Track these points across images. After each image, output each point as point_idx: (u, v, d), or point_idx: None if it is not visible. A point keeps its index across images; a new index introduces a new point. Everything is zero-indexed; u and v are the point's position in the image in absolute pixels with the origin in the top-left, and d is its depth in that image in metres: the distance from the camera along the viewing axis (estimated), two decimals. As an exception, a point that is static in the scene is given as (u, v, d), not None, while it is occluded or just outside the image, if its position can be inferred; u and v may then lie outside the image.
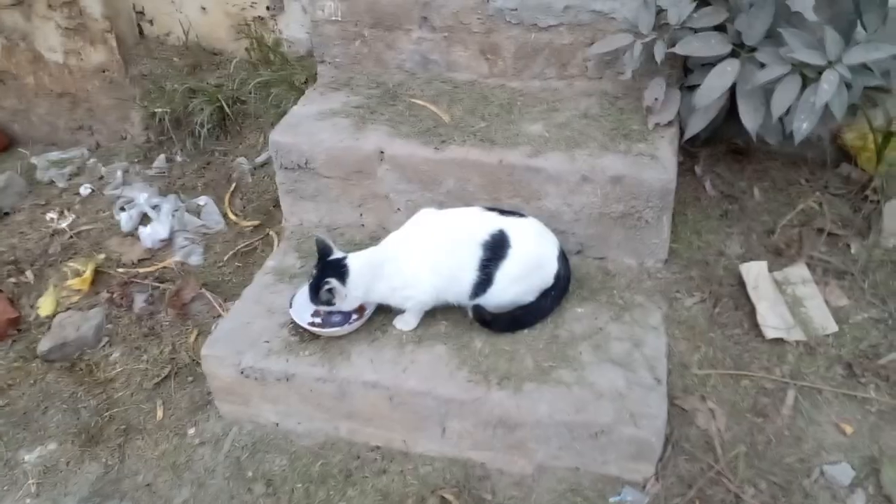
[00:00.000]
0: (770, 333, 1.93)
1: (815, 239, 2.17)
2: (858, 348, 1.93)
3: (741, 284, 2.04)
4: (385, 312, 1.92)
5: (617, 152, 1.96)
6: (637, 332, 1.86)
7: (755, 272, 2.02)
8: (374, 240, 2.14)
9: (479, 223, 1.81)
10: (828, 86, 1.65)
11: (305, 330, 1.88)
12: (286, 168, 2.15)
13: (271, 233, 2.50)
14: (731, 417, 1.82)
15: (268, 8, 2.88)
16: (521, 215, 1.87)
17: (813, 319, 1.97)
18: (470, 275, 1.79)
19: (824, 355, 1.92)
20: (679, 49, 1.91)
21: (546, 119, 2.11)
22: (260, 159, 2.72)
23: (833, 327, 1.96)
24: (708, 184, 2.33)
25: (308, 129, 2.15)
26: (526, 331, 1.87)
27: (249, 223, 2.55)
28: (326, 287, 1.76)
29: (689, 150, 2.36)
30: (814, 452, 1.76)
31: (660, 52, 1.93)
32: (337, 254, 1.84)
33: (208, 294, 2.30)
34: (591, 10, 2.08)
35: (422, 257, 1.80)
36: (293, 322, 1.90)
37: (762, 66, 1.83)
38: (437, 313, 1.92)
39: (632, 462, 1.70)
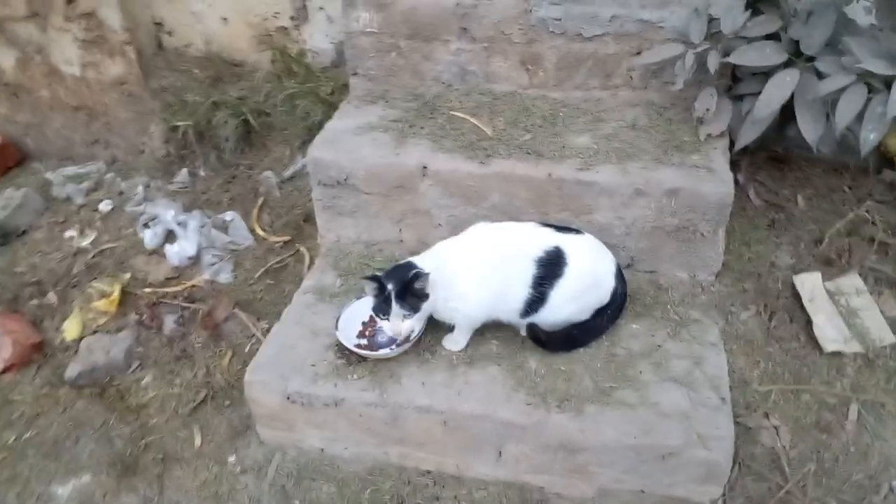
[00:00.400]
0: (829, 346, 1.89)
1: (866, 248, 2.12)
2: (918, 360, 1.88)
3: (795, 296, 1.99)
4: (431, 333, 1.86)
5: (670, 164, 1.90)
6: (696, 350, 1.81)
7: (810, 284, 1.97)
8: (413, 254, 2.10)
9: (533, 239, 1.75)
10: (898, 95, 1.60)
11: (353, 353, 1.82)
12: (324, 184, 2.09)
13: (302, 249, 2.43)
14: (795, 434, 1.77)
15: (291, 18, 2.81)
16: (578, 232, 1.82)
17: (870, 331, 1.93)
18: (522, 292, 1.73)
19: (883, 368, 1.88)
20: (734, 59, 1.86)
21: (592, 130, 2.05)
22: (287, 173, 2.65)
23: (891, 338, 1.91)
24: (752, 192, 2.28)
25: (347, 144, 2.08)
26: (581, 349, 1.82)
27: (279, 239, 2.48)
28: (416, 277, 1.65)
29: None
30: (881, 468, 1.71)
31: (713, 62, 1.88)
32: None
33: (241, 314, 2.23)
34: (638, 20, 2.03)
35: (471, 270, 1.73)
36: (339, 344, 1.84)
37: (821, 75, 1.79)
38: (487, 332, 1.86)
39: (700, 484, 1.65)
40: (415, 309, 1.67)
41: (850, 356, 1.89)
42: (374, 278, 1.69)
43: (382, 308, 1.67)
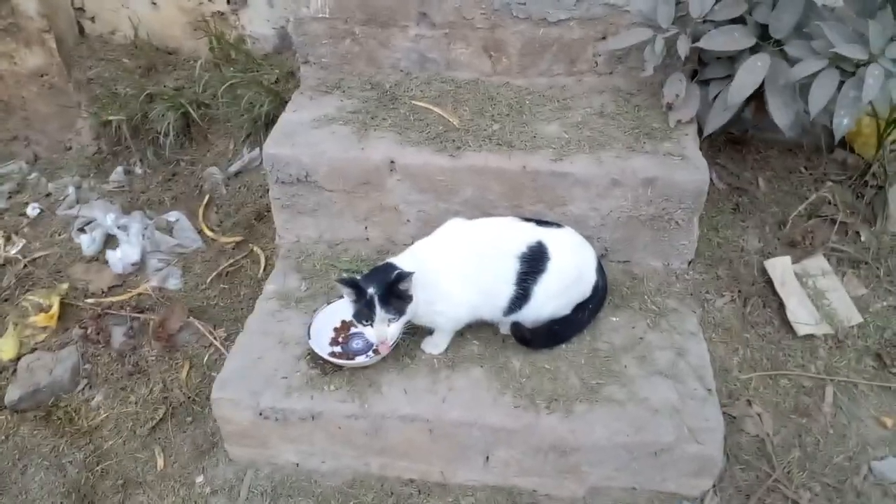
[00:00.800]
0: (801, 330, 1.91)
1: (827, 229, 2.16)
2: (884, 337, 1.94)
3: (766, 281, 2.01)
4: (408, 336, 1.77)
5: (643, 153, 1.87)
6: (677, 340, 1.80)
7: (780, 268, 1.99)
8: (381, 254, 2.01)
9: (516, 234, 1.69)
10: (873, 80, 1.61)
11: (328, 362, 1.72)
12: (283, 182, 1.95)
13: (256, 249, 2.29)
14: (776, 420, 1.79)
15: (228, 2, 2.63)
16: (558, 225, 1.76)
17: (837, 312, 1.96)
18: (507, 289, 1.67)
19: (853, 348, 1.92)
20: (704, 44, 1.83)
21: (561, 118, 2.00)
22: (234, 168, 2.49)
23: (857, 318, 1.96)
24: (714, 176, 2.28)
25: (306, 138, 1.96)
26: (564, 346, 1.77)
27: (230, 239, 2.34)
28: (400, 278, 1.54)
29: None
30: (860, 449, 1.75)
31: (683, 48, 1.85)
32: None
33: (196, 322, 2.08)
34: (605, 3, 1.97)
35: (456, 270, 1.66)
36: (312, 353, 1.73)
37: (790, 60, 1.78)
38: (467, 332, 1.79)
39: (692, 478, 1.64)
40: (400, 312, 1.58)
41: (822, 338, 1.92)
42: (351, 283, 1.59)
43: (364, 314, 1.57)
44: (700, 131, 1.98)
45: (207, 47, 2.67)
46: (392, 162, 1.89)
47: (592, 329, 1.81)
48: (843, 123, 1.69)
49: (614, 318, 1.84)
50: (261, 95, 2.47)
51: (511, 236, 1.68)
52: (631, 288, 1.92)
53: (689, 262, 1.98)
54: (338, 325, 1.81)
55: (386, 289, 1.55)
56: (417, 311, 1.64)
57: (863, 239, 2.14)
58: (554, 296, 1.69)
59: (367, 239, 2.04)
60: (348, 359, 1.73)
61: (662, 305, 1.88)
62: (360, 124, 2.00)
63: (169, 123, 2.50)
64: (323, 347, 1.74)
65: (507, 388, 1.68)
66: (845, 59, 1.69)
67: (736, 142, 2.42)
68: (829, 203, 2.20)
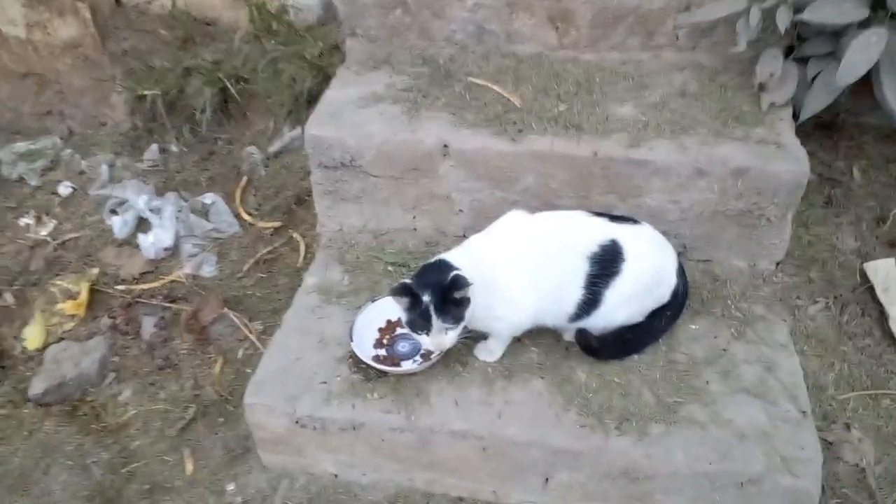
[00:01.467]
0: (908, 345, 1.68)
1: (933, 229, 1.91)
2: None
3: (864, 285, 1.78)
4: (461, 341, 1.60)
5: (733, 139, 1.64)
6: (765, 353, 1.58)
7: (883, 272, 1.75)
8: (430, 245, 1.84)
9: (586, 231, 1.49)
10: None
11: (371, 367, 1.55)
12: (326, 167, 1.78)
13: (296, 236, 2.13)
14: (878, 447, 1.57)
15: (271, -31, 2.45)
16: (635, 221, 1.55)
17: (948, 324, 1.72)
18: (575, 293, 1.47)
19: (966, 364, 1.68)
20: (809, 15, 1.59)
21: (636, 98, 1.78)
22: (273, 148, 2.33)
23: (970, 331, 1.71)
24: (803, 166, 2.04)
25: (351, 118, 1.78)
26: (636, 357, 1.58)
27: (269, 224, 2.18)
28: (456, 283, 1.35)
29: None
30: (976, 484, 1.52)
31: (784, 20, 1.61)
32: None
33: (231, 314, 1.94)
34: (692, -32, 1.74)
35: (518, 269, 1.47)
36: (353, 356, 1.57)
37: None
38: (525, 338, 1.61)
39: (782, 514, 1.43)
40: (458, 319, 1.40)
41: (930, 352, 1.68)
42: (405, 290, 1.40)
43: (419, 324, 1.40)
44: (795, 115, 1.75)
45: (248, 18, 2.49)
46: (445, 146, 1.70)
47: (669, 338, 1.61)
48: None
49: (693, 326, 1.64)
50: (303, 70, 2.30)
51: (581, 233, 1.48)
52: (712, 291, 1.71)
53: (778, 264, 1.76)
54: (383, 324, 1.64)
55: (442, 295, 1.37)
56: (474, 314, 1.46)
57: (974, 240, 1.88)
58: (627, 301, 1.49)
59: (415, 229, 1.86)
60: (394, 363, 1.57)
61: (748, 312, 1.66)
62: (411, 103, 1.81)
63: (206, 100, 2.34)
64: (366, 350, 1.57)
65: (572, 403, 1.49)
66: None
67: (826, 126, 2.15)
68: (937, 198, 1.95)
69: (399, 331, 1.63)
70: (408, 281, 1.42)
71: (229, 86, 2.35)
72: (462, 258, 1.46)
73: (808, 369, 1.62)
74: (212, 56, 2.48)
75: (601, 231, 1.48)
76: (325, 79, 2.20)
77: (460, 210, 1.80)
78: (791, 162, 1.59)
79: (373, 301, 1.66)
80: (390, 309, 1.61)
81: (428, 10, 1.93)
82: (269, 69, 2.36)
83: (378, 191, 1.80)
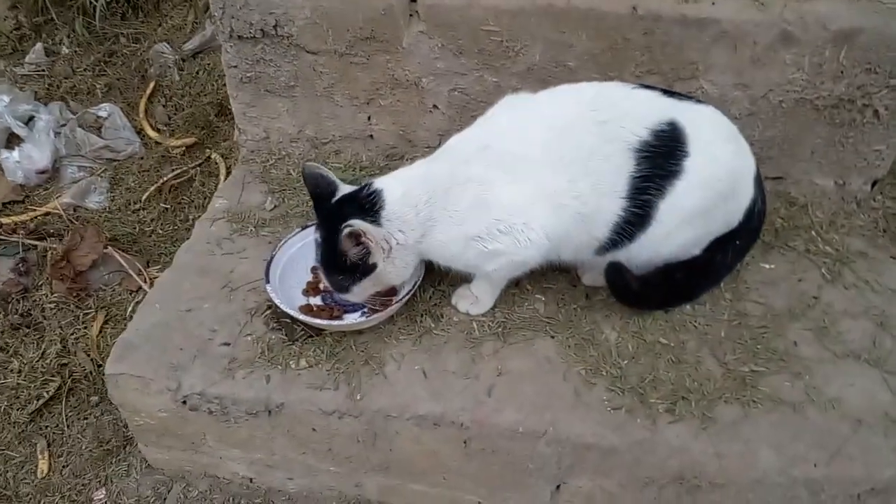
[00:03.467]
0: None
1: None
2: None
3: None
4: (434, 283, 1.09)
5: (831, -8, 1.13)
6: (874, 301, 1.09)
7: None
8: (391, 159, 1.32)
9: (633, 111, 0.96)
10: None
11: (298, 322, 1.03)
12: (240, 37, 1.24)
13: (215, 156, 1.60)
14: None
15: None
16: (697, 101, 1.03)
17: None
18: (613, 206, 0.95)
19: None
20: None
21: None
22: (190, 45, 1.79)
23: None
24: None
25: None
26: (689, 307, 1.07)
27: (179, 142, 1.65)
28: (346, 231, 0.91)
29: None
30: None
31: None
32: (345, 189, 0.98)
33: (118, 255, 1.41)
34: None
35: (528, 175, 0.95)
36: (274, 306, 1.05)
37: None
38: (526, 282, 1.10)
39: (919, 541, 0.95)
40: (350, 270, 0.93)
41: None
42: (315, 183, 0.93)
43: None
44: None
45: None
46: (413, 0, 1.17)
47: (732, 282, 1.11)
48: None
49: (767, 266, 1.14)
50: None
51: (624, 112, 0.96)
52: (790, 219, 1.21)
53: (876, 183, 1.25)
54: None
55: (328, 248, 0.90)
56: (451, 251, 0.95)
57: None
58: (689, 219, 0.97)
59: (371, 136, 1.33)
60: (332, 316, 1.05)
61: (843, 247, 1.17)
62: (365, -52, 1.27)
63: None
64: (291, 299, 1.06)
65: (598, 374, 0.99)
66: None
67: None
68: None
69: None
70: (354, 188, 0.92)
71: (132, -38, 1.79)
72: (419, 173, 0.95)
73: (935, 325, 1.13)
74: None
75: (654, 109, 0.95)
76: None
77: (434, 106, 1.28)
78: (922, 20, 1.08)
79: (303, 228, 1.13)
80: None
81: None
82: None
83: (317, 76, 1.27)
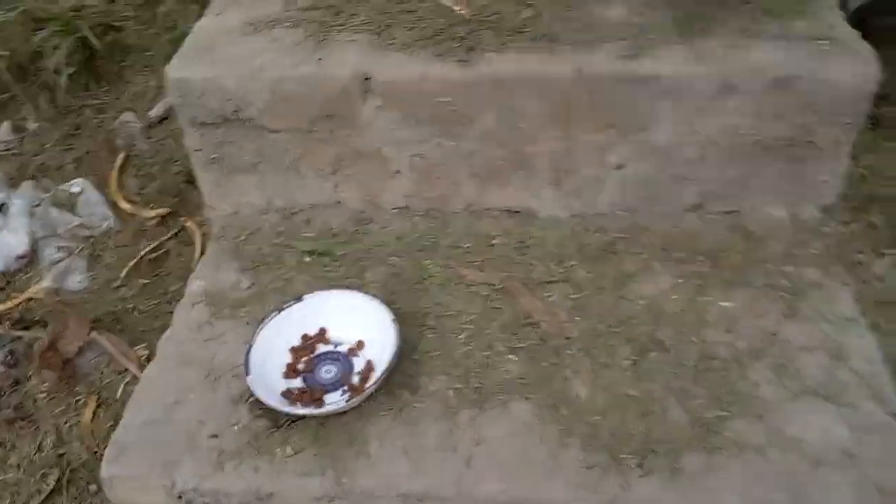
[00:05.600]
0: None
1: None
2: None
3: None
4: (408, 352, 1.13)
5: (767, 38, 1.17)
6: (829, 333, 1.14)
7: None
8: (362, 223, 1.35)
9: None
10: None
11: (280, 412, 1.07)
12: (202, 124, 1.28)
13: (190, 224, 1.62)
14: None
15: None
16: None
17: None
18: None
19: None
20: None
21: (625, -3, 1.29)
22: (156, 112, 1.80)
23: None
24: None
25: (231, 51, 1.27)
26: (654, 354, 1.12)
27: (153, 213, 1.66)
28: None
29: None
30: None
31: None
32: None
33: (103, 339, 1.44)
34: None
35: None
36: (255, 397, 1.08)
37: None
38: (499, 342, 1.14)
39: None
40: None
41: None
42: None
43: None
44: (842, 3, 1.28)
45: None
46: (367, 79, 1.20)
47: (697, 320, 1.16)
48: None
49: (727, 304, 1.18)
50: (185, 6, 1.78)
51: None
52: (747, 252, 1.26)
53: (827, 209, 1.30)
54: (296, 342, 1.15)
55: None
56: None
57: None
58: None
59: (339, 202, 1.37)
60: (314, 399, 1.09)
61: (798, 278, 1.22)
62: (318, 24, 1.31)
63: (64, 57, 1.80)
64: (272, 384, 1.09)
65: (572, 434, 1.04)
66: None
67: (855, 27, 1.70)
68: None
69: (322, 348, 1.15)
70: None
71: (91, 38, 1.80)
72: None
73: (889, 349, 1.18)
74: (68, 1, 1.93)
75: None
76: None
77: (397, 171, 1.31)
78: (853, 63, 1.12)
79: (280, 311, 1.17)
80: (308, 317, 1.14)
81: None
82: (144, 11, 1.83)
83: (282, 153, 1.31)
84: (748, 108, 1.15)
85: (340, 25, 1.29)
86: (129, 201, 1.70)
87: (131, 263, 1.58)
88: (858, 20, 1.62)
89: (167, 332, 1.24)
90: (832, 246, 1.28)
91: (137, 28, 1.82)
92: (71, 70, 1.82)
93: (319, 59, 1.22)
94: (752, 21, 1.20)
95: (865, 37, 1.63)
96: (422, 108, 1.22)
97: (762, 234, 1.28)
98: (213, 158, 1.32)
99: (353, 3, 1.34)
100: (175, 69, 1.25)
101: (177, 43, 1.73)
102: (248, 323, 1.21)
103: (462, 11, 1.28)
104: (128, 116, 1.80)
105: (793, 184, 1.25)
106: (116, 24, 1.87)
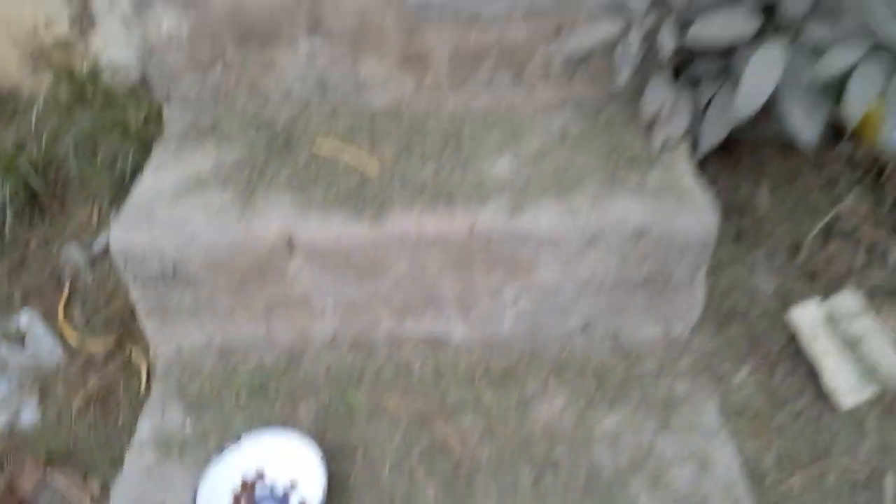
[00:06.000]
0: (847, 402, 1.47)
1: (851, 249, 1.73)
2: (946, 391, 1.51)
3: (788, 331, 1.57)
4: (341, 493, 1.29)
5: (626, 191, 1.39)
6: (697, 444, 1.35)
7: (808, 318, 1.55)
8: (293, 359, 1.51)
9: None
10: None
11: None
12: (144, 282, 1.42)
13: (135, 356, 1.74)
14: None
15: (72, 26, 2.04)
16: None
17: (881, 364, 1.53)
18: None
19: (910, 411, 1.49)
20: (695, 33, 1.35)
21: (513, 149, 1.50)
22: (98, 245, 1.93)
23: (907, 369, 1.53)
24: (706, 194, 1.82)
25: (168, 214, 1.42)
26: (549, 474, 1.30)
27: (100, 345, 1.78)
28: None
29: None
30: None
31: (668, 43, 1.36)
32: None
33: (57, 475, 1.54)
34: (556, -7, 1.47)
35: None
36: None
37: (814, 48, 1.31)
38: (417, 470, 1.31)
39: None
40: None
41: (868, 405, 1.49)
42: None
43: None
44: (694, 144, 1.52)
45: (52, 85, 2.08)
46: (290, 240, 1.37)
47: (583, 440, 1.34)
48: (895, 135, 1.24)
49: (611, 420, 1.38)
50: (125, 143, 1.92)
51: None
52: (626, 371, 1.46)
53: (695, 326, 1.52)
54: (237, 486, 1.30)
55: None
56: None
57: (891, 260, 1.71)
58: None
59: (272, 341, 1.52)
60: (257, 541, 1.23)
61: (669, 393, 1.42)
62: (244, 185, 1.47)
63: (7, 195, 1.91)
64: (218, 527, 1.23)
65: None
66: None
67: (721, 145, 1.96)
68: (850, 215, 1.77)
69: (260, 491, 1.29)
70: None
71: (33, 181, 1.93)
72: None
73: (746, 453, 1.39)
74: (14, 136, 2.05)
75: None
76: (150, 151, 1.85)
77: (323, 311, 1.48)
78: (696, 215, 1.35)
79: (221, 454, 1.32)
80: (246, 459, 1.29)
81: (256, 62, 1.59)
82: (85, 146, 1.96)
83: (217, 302, 1.46)
84: (614, 253, 1.36)
85: (266, 185, 1.46)
86: (76, 334, 1.82)
87: (80, 397, 1.69)
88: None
89: (118, 479, 1.36)
90: (699, 360, 1.49)
91: (80, 162, 1.94)
92: (14, 208, 1.94)
93: (248, 221, 1.38)
94: (615, 173, 1.41)
95: (730, 152, 1.90)
96: (341, 262, 1.39)
97: (639, 352, 1.49)
98: (155, 307, 1.46)
99: (276, 162, 1.51)
100: (117, 233, 1.40)
101: (119, 180, 1.90)
102: (194, 464, 1.34)
103: (372, 171, 1.46)
104: (72, 248, 1.92)
105: (661, 308, 1.47)
106: (58, 158, 1.99)
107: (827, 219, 1.74)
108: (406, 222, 1.37)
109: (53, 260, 1.94)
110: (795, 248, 1.73)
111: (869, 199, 1.82)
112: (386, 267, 1.40)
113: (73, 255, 1.91)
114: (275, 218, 1.39)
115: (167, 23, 1.52)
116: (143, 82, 2.12)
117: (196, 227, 1.39)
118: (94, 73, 2.10)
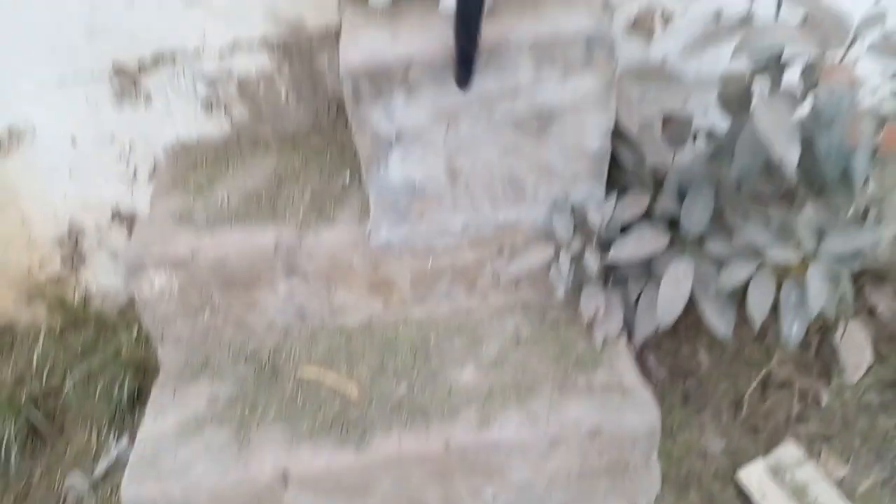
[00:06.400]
0: (800, 553, 1.64)
1: (787, 399, 1.94)
2: (886, 531, 1.69)
3: (741, 491, 1.74)
4: None
5: (578, 393, 1.59)
6: None
7: (756, 478, 1.74)
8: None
9: None
10: (817, 286, 1.40)
11: None
12: (155, 519, 1.55)
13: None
14: None
15: (63, 265, 2.25)
16: None
17: (828, 508, 1.71)
18: None
19: (856, 553, 1.66)
20: (615, 255, 1.60)
21: (474, 355, 1.71)
22: (100, 469, 2.05)
23: (851, 511, 1.71)
24: (652, 360, 2.04)
25: (172, 461, 1.57)
26: None
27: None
28: None
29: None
30: None
31: (592, 264, 1.62)
32: None
33: None
34: (495, 225, 1.72)
35: None
36: None
37: (715, 260, 1.57)
38: None
39: None
40: None
41: (820, 552, 1.66)
42: None
43: None
44: (630, 334, 1.74)
45: (47, 321, 2.26)
46: (284, 475, 1.53)
47: None
48: (793, 332, 1.48)
49: None
50: (120, 368, 2.08)
51: None
52: (600, 549, 1.61)
53: (657, 498, 1.69)
54: None
55: None
56: None
57: (823, 404, 1.93)
58: None
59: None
60: None
61: (641, 567, 1.57)
62: (238, 422, 1.64)
63: (11, 432, 2.04)
64: None
65: None
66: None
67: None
68: (780, 366, 2.00)
69: None
70: None
71: (35, 418, 2.07)
72: None
73: None
74: (12, 372, 2.20)
75: None
76: (146, 372, 2.01)
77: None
78: (640, 410, 1.55)
79: None
80: None
81: (240, 302, 1.80)
82: (82, 373, 2.12)
83: None
84: (574, 451, 1.54)
85: (258, 420, 1.63)
86: (83, 563, 1.91)
87: None
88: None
89: None
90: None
91: (76, 389, 2.09)
92: (17, 443, 2.06)
93: (245, 461, 1.54)
94: (565, 376, 1.61)
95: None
96: (331, 487, 1.55)
97: (610, 529, 1.64)
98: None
99: (265, 394, 1.69)
100: (128, 487, 1.54)
101: (117, 404, 2.04)
102: None
103: (352, 394, 1.65)
104: (75, 476, 2.04)
105: (625, 488, 1.64)
106: (56, 388, 2.14)
107: (762, 375, 1.96)
108: (387, 445, 1.54)
109: (56, 489, 2.05)
110: (738, 405, 1.94)
111: (797, 348, 2.06)
112: (373, 486, 1.56)
113: (76, 483, 2.03)
114: (269, 453, 1.55)
115: (159, 281, 1.72)
116: (132, 304, 2.31)
117: (199, 472, 1.54)
118: (86, 300, 2.30)
